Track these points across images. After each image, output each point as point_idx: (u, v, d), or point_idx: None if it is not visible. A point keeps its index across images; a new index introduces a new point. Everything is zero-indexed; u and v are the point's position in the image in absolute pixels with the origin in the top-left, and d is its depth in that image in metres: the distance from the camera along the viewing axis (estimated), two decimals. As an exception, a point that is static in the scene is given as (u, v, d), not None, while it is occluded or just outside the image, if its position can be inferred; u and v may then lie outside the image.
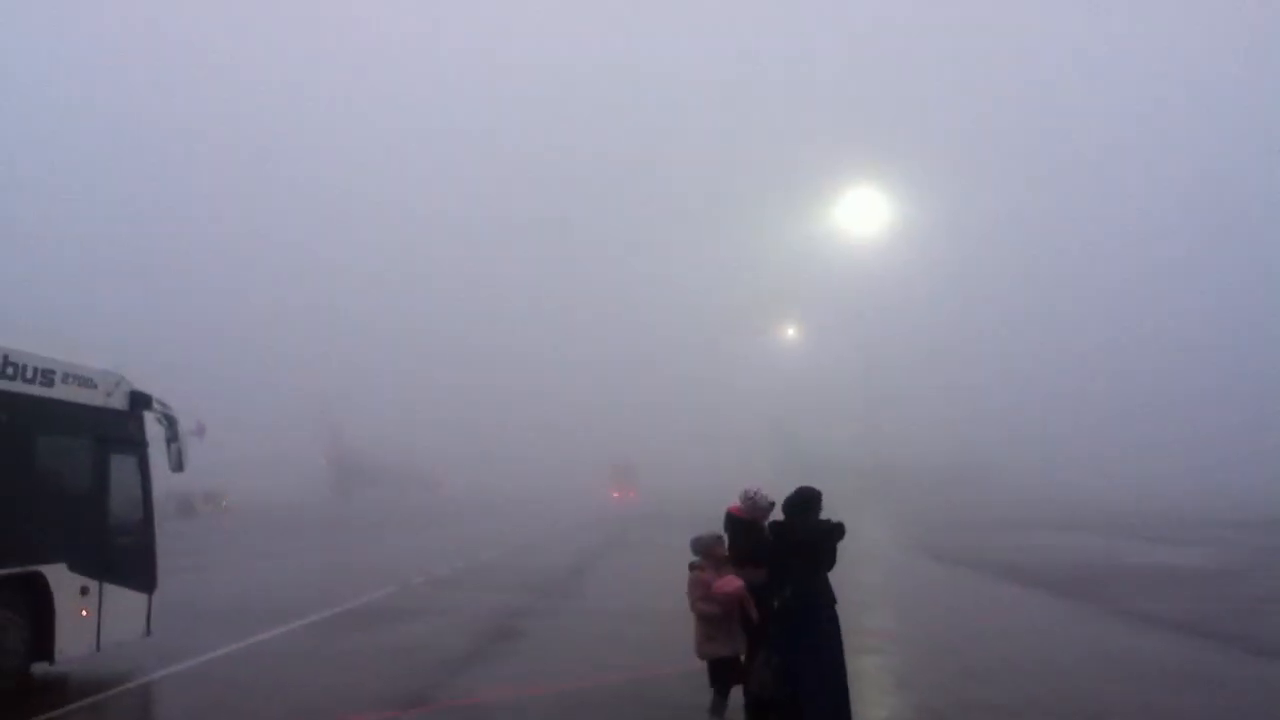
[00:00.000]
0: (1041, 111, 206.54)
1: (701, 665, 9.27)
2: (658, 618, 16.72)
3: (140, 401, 12.93)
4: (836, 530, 8.92)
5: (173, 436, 13.44)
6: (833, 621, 8.72)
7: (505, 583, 22.76)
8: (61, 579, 11.10)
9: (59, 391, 11.48)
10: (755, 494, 9.51)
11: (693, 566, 9.50)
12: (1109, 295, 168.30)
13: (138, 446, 12.98)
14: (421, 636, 14.99)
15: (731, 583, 9.11)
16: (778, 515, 9.18)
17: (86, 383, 12.01)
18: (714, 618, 9.18)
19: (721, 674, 9.35)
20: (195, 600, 18.77)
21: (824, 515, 8.96)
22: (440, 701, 10.80)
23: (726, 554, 9.40)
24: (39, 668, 11.01)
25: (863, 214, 79.29)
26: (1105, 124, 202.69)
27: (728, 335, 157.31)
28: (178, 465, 13.60)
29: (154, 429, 13.36)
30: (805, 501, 8.98)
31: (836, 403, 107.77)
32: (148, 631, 12.62)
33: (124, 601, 12.14)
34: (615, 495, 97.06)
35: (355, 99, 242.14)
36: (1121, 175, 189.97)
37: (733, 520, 9.55)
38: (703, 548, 9.51)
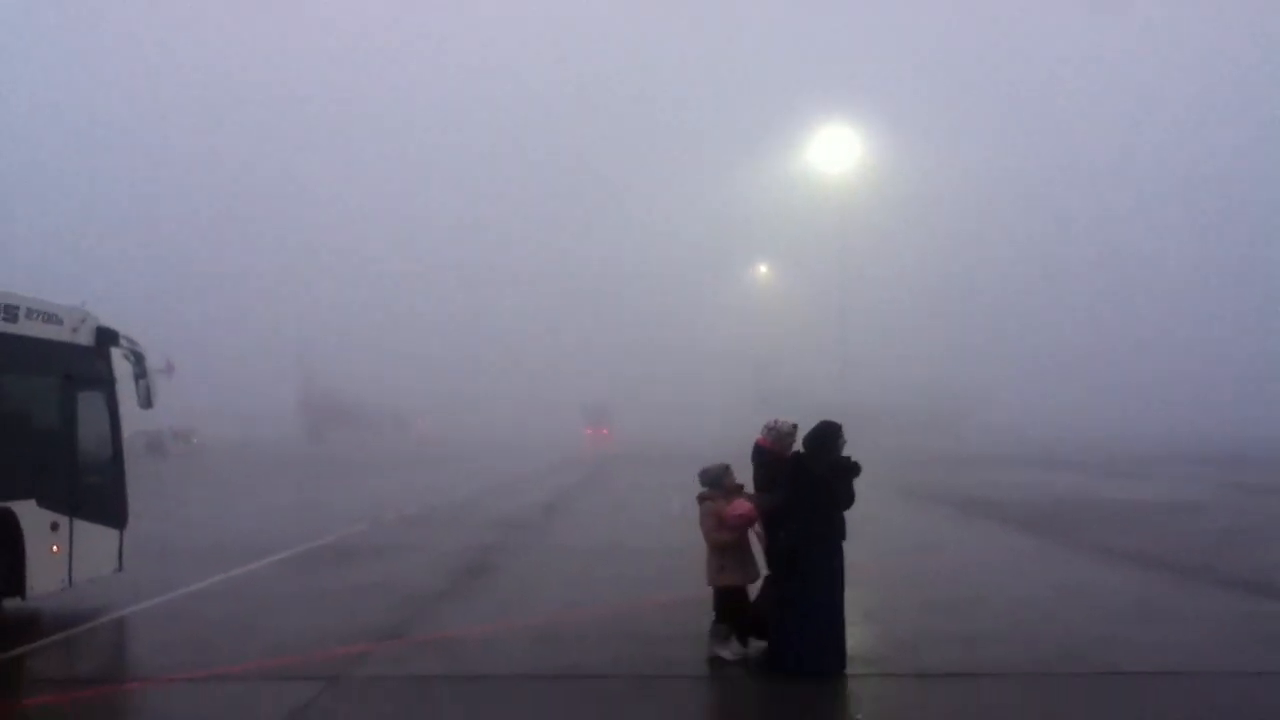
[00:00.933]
0: (1017, 42, 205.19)
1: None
2: (629, 554, 16.91)
3: (107, 338, 12.79)
4: (854, 468, 8.98)
5: (140, 373, 13.31)
6: (830, 559, 8.76)
7: (478, 521, 22.84)
8: (31, 515, 11.03)
9: (23, 327, 11.31)
10: (776, 423, 9.59)
11: (702, 498, 9.49)
12: (1089, 230, 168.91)
13: (105, 383, 12.86)
14: (394, 573, 15.04)
15: (742, 505, 9.15)
16: (799, 446, 9.22)
17: (52, 319, 11.84)
18: (727, 547, 9.19)
19: (730, 603, 9.32)
20: (167, 536, 18.75)
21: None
22: (413, 636, 10.86)
23: (736, 484, 9.42)
24: (11, 603, 10.97)
25: (835, 152, 78.78)
26: (1081, 52, 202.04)
27: (702, 276, 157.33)
28: (146, 402, 13.49)
29: (122, 366, 13.24)
30: (825, 436, 9.02)
31: (813, 342, 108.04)
32: (119, 567, 12.60)
33: (95, 537, 12.10)
34: (589, 433, 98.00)
35: (337, 24, 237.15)
36: (1100, 104, 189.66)
37: (760, 453, 9.57)
38: (711, 478, 9.51)
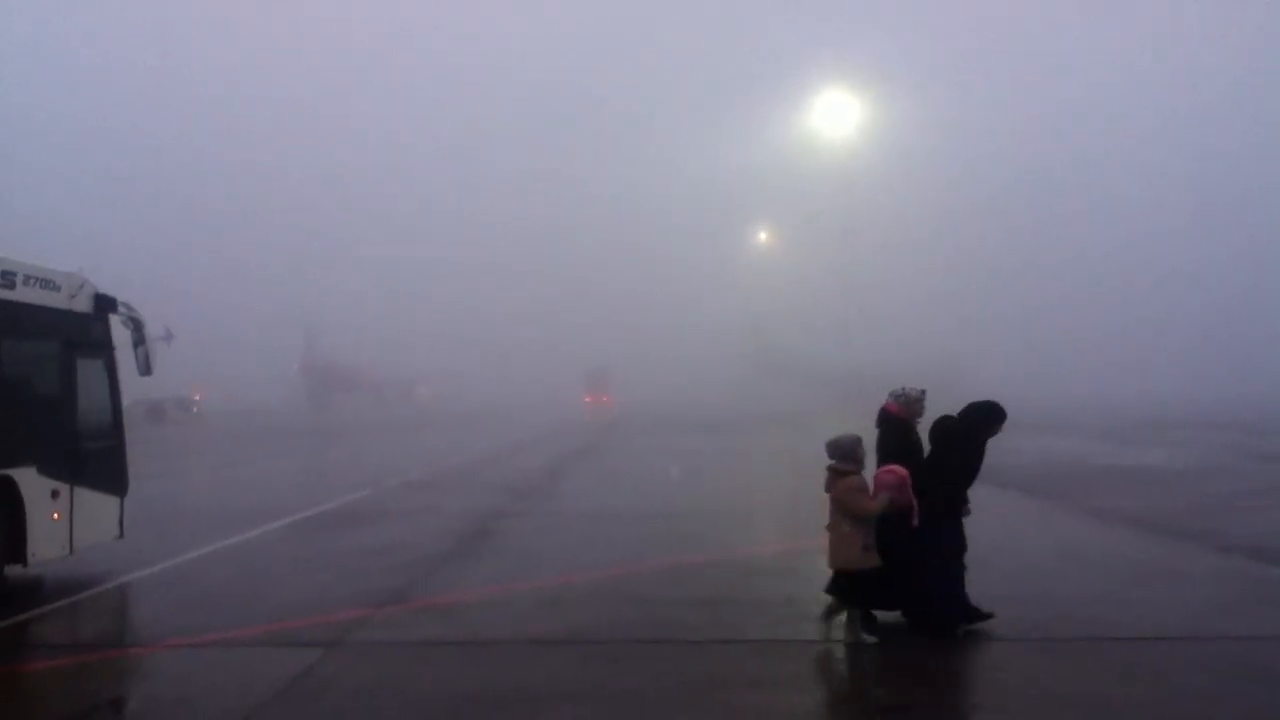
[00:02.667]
0: (1018, 9, 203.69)
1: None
2: (631, 518, 16.93)
3: (105, 304, 12.72)
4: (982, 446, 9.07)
5: (139, 340, 13.26)
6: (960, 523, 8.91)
7: (480, 486, 22.88)
8: (31, 482, 11.01)
9: (20, 294, 11.24)
10: (905, 389, 9.52)
11: (835, 472, 8.95)
12: (1091, 195, 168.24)
13: (104, 349, 12.81)
14: (397, 537, 15.06)
15: (895, 470, 8.76)
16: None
17: (50, 285, 11.77)
18: (870, 525, 8.62)
19: (866, 587, 8.72)
20: (168, 503, 18.82)
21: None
22: (417, 599, 10.88)
23: (864, 456, 8.97)
24: (12, 570, 10.98)
25: (837, 115, 78.30)
26: (1083, 19, 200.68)
27: (703, 242, 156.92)
28: (145, 369, 13.45)
29: (121, 334, 13.20)
30: (991, 415, 9.06)
31: (813, 308, 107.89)
32: (120, 534, 12.60)
33: (95, 504, 12.09)
34: (589, 400, 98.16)
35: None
36: (1102, 72, 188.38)
37: (888, 418, 9.49)
38: (842, 451, 8.96)
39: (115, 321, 13.02)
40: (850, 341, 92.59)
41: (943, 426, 9.10)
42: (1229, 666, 8.11)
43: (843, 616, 8.97)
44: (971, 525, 9.13)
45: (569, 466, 28.13)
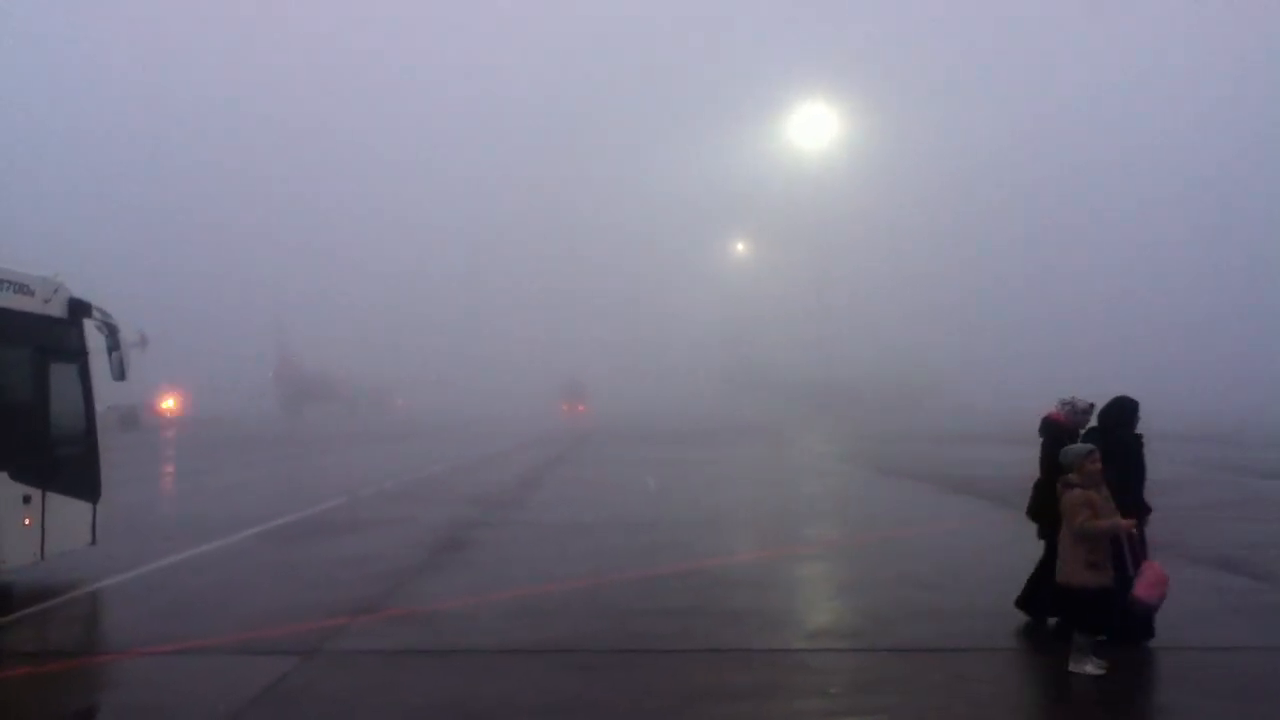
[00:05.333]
0: (996, 22, 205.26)
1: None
2: (604, 529, 16.95)
3: (79, 309, 12.66)
4: (1138, 441, 9.12)
5: (114, 345, 13.19)
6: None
7: (455, 496, 22.83)
8: (2, 488, 10.94)
9: (-7, 299, 11.19)
10: (1074, 399, 9.59)
11: (1064, 484, 8.42)
12: (1067, 209, 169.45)
13: (78, 354, 12.75)
14: (371, 547, 15.03)
15: (1158, 574, 8.36)
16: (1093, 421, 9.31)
17: (23, 289, 11.71)
18: (1096, 542, 8.15)
19: (1096, 607, 8.18)
20: (142, 510, 18.70)
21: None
22: (390, 609, 10.87)
23: (1100, 468, 8.35)
24: (-18, 577, 10.91)
25: (813, 130, 78.94)
26: (1058, 32, 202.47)
27: (679, 253, 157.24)
28: (119, 374, 13.37)
29: (96, 339, 13.13)
30: (1128, 411, 9.14)
31: (789, 319, 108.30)
32: (93, 540, 12.51)
33: (68, 510, 12.01)
34: (565, 409, 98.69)
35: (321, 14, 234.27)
36: (1078, 85, 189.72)
37: (1051, 426, 9.58)
38: (1071, 461, 8.42)
39: (90, 327, 12.94)
40: (826, 354, 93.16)
41: (1122, 438, 9.12)
42: (1211, 676, 8.29)
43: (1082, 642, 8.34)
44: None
45: (541, 478, 28.08)
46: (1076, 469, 8.31)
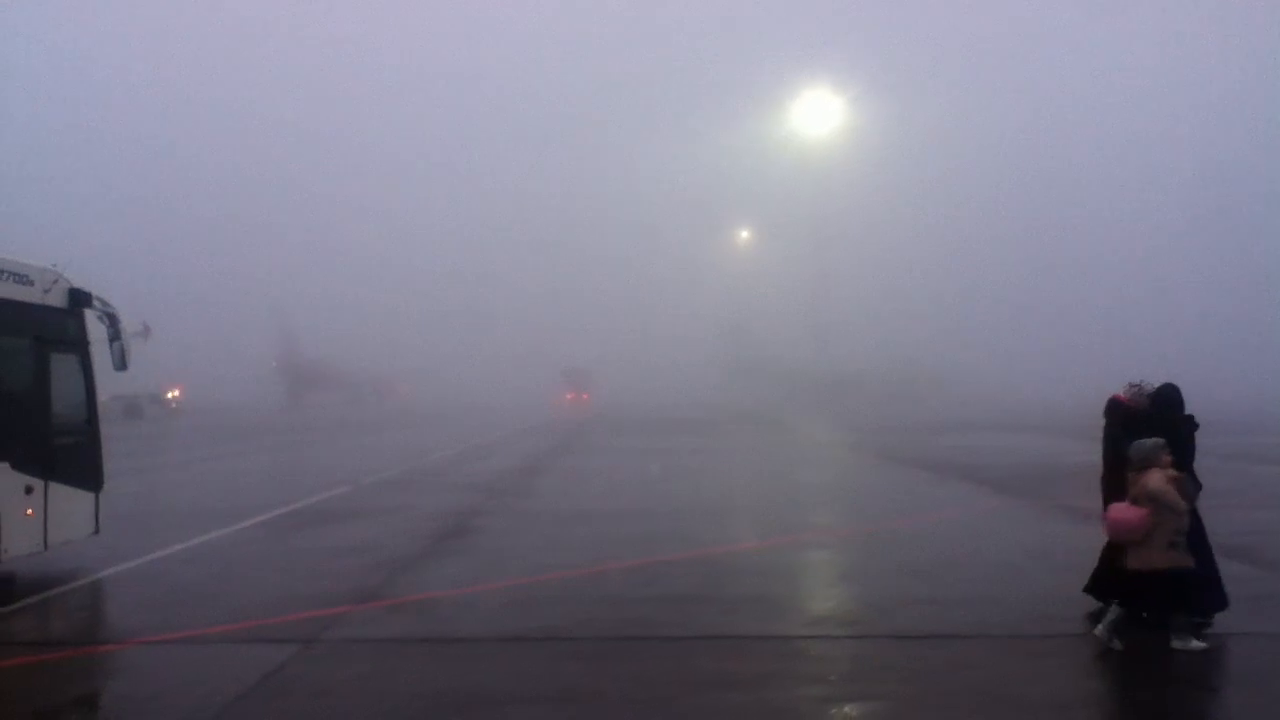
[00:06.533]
0: (999, 12, 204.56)
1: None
2: (604, 517, 16.95)
3: (80, 299, 12.65)
4: (1189, 422, 9.23)
5: (115, 335, 13.18)
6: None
7: (455, 484, 22.86)
8: (4, 478, 10.97)
9: (-7, 289, 11.20)
10: (1142, 382, 9.64)
11: (1139, 473, 8.56)
12: (1068, 196, 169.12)
13: (79, 344, 12.75)
14: (372, 535, 15.06)
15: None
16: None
17: (23, 279, 11.72)
18: (1180, 521, 8.32)
19: (1188, 585, 8.37)
20: (145, 500, 18.74)
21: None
22: (390, 597, 10.88)
23: (1169, 461, 8.57)
24: (-15, 566, 10.94)
25: (817, 117, 78.70)
26: (1062, 20, 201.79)
27: (682, 241, 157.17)
28: (121, 364, 13.38)
29: (97, 329, 13.13)
30: (1177, 396, 9.26)
31: (791, 308, 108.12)
32: (96, 530, 12.55)
33: (70, 500, 12.04)
34: (568, 398, 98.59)
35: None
36: (1081, 72, 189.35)
37: (1117, 408, 9.68)
38: (1144, 455, 8.61)
39: (91, 317, 12.95)
40: (826, 344, 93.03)
41: (1175, 420, 9.20)
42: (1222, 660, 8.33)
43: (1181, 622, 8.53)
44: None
45: (542, 466, 28.11)
46: (1153, 462, 8.51)
